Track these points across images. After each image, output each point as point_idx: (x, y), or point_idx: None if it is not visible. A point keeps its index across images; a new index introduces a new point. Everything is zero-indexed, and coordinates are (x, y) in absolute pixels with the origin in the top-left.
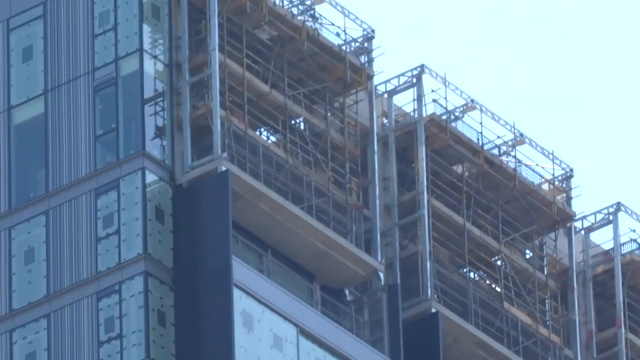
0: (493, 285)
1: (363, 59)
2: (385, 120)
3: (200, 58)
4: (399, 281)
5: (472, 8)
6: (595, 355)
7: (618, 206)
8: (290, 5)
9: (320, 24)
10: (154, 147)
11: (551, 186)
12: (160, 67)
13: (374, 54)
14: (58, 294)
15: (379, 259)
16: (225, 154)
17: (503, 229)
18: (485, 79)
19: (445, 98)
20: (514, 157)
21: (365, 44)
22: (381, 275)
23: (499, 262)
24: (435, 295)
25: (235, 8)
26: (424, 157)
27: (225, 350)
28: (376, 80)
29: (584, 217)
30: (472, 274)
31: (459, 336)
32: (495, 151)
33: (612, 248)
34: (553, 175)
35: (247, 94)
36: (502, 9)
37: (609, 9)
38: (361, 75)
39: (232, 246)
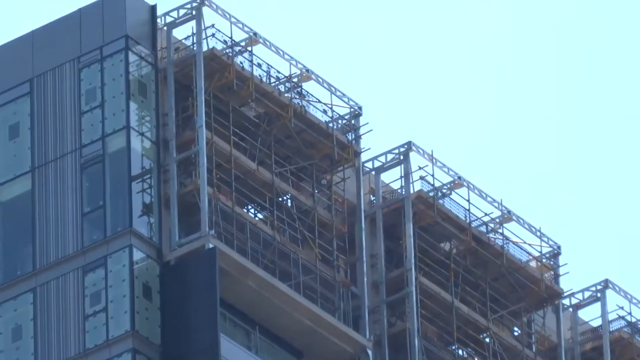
0: None
1: (350, 136)
2: (372, 197)
3: (188, 135)
4: (387, 358)
5: (458, 86)
6: None
7: (606, 283)
8: (277, 82)
9: (307, 101)
10: (141, 225)
11: (539, 263)
12: (147, 144)
13: (361, 131)
14: None
15: (367, 336)
16: (212, 232)
17: (491, 306)
18: (472, 156)
19: (433, 175)
20: (502, 234)
21: (353, 121)
22: (369, 352)
23: (487, 339)
24: None
25: (222, 85)
26: (412, 234)
27: None
28: (363, 157)
29: (572, 295)
30: (460, 351)
31: None
32: (483, 228)
33: (601, 325)
34: (541, 252)
35: (235, 171)
36: (488, 86)
37: (587, 89)
38: (348, 152)
39: (220, 323)
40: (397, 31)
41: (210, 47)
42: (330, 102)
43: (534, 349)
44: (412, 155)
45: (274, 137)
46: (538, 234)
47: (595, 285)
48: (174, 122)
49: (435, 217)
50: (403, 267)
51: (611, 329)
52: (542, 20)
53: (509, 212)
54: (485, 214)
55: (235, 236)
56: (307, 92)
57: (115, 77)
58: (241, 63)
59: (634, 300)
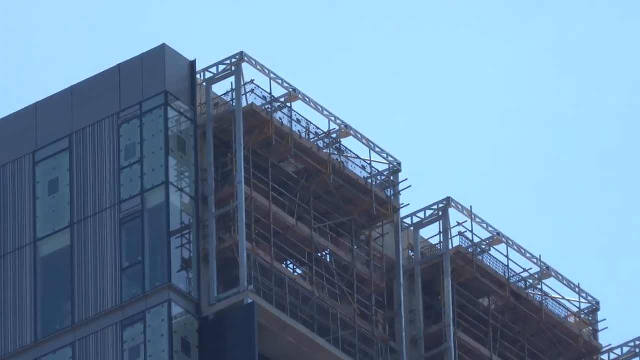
0: None
1: (389, 192)
2: (411, 253)
3: (227, 191)
4: None
5: (497, 142)
6: None
7: None
8: (315, 138)
9: (346, 157)
10: (180, 280)
11: (578, 319)
12: (186, 199)
13: (400, 187)
14: None
15: None
16: (251, 287)
17: None
18: (511, 212)
19: (472, 231)
20: (541, 290)
21: (391, 177)
22: None
23: None
24: None
25: (261, 141)
26: (450, 289)
27: None
28: (402, 213)
29: (611, 350)
30: None
31: None
32: (522, 284)
33: None
34: (579, 308)
35: (274, 227)
36: (524, 142)
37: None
38: (387, 208)
39: None
40: (435, 88)
41: (250, 102)
42: (369, 158)
43: None
44: (451, 211)
45: (312, 193)
46: (577, 289)
47: (634, 340)
48: (213, 177)
49: (474, 273)
50: (442, 322)
51: None
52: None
53: (547, 268)
54: (524, 270)
55: (274, 291)
56: (346, 148)
57: (155, 132)
58: (280, 119)
59: None
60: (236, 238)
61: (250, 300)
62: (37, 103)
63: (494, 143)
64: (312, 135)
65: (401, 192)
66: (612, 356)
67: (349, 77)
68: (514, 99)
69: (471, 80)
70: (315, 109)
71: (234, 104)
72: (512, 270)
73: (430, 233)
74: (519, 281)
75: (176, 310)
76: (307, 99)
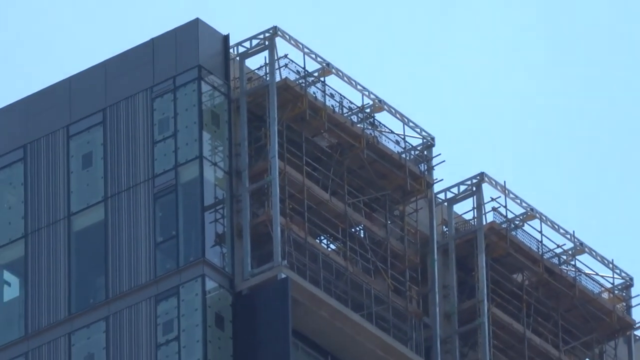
0: None
1: (423, 167)
2: (445, 229)
3: (260, 165)
4: None
5: (531, 117)
6: None
7: None
8: (349, 113)
9: (380, 131)
10: (214, 255)
11: (611, 295)
12: (220, 174)
13: (433, 162)
14: None
15: None
16: (285, 262)
17: (563, 337)
18: (545, 187)
19: (505, 206)
20: (574, 266)
21: (425, 152)
22: None
23: None
24: None
25: (294, 116)
26: (484, 265)
27: None
28: (436, 188)
29: None
30: None
31: None
32: (555, 260)
33: None
34: (613, 284)
35: (307, 202)
36: (561, 117)
37: None
38: (421, 183)
39: (292, 353)
40: (470, 62)
41: (283, 77)
42: (402, 133)
43: None
44: (485, 187)
45: (346, 168)
46: (610, 265)
47: None
48: (246, 152)
49: (508, 249)
50: (475, 298)
51: None
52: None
53: (581, 244)
54: (558, 246)
55: (308, 267)
56: (380, 123)
57: (188, 107)
58: (314, 93)
59: None
60: (270, 213)
61: (283, 275)
62: (71, 77)
63: (528, 117)
64: (345, 110)
65: (435, 167)
66: None
67: (382, 51)
68: (550, 73)
69: (506, 54)
70: (348, 84)
71: (268, 79)
72: (546, 246)
73: (464, 208)
74: (552, 257)
75: (210, 284)
76: (341, 74)
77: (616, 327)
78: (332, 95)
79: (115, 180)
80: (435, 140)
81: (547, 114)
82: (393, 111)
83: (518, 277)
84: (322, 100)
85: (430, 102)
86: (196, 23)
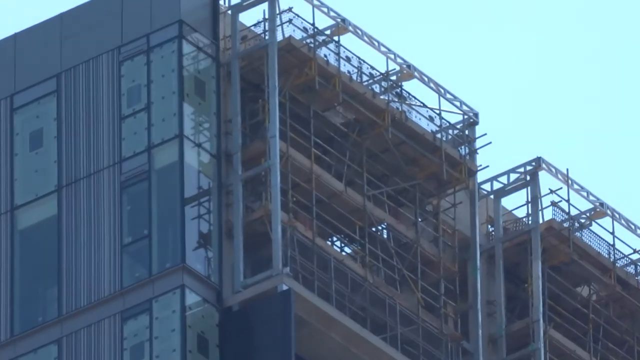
0: None
1: (464, 150)
2: (491, 228)
3: (257, 147)
4: None
5: (600, 91)
6: None
7: None
8: (370, 81)
9: (409, 105)
10: (196, 260)
11: None
12: (205, 158)
13: (477, 144)
14: None
15: None
16: (287, 269)
17: None
18: (618, 177)
19: (568, 201)
20: None
21: (467, 131)
22: None
23: None
24: None
25: (300, 84)
26: (540, 275)
27: None
28: (480, 177)
29: None
30: None
31: None
32: (631, 269)
33: None
34: None
35: (316, 193)
36: (631, 90)
37: None
38: (461, 170)
39: None
40: (521, 22)
41: (286, 35)
42: (438, 107)
43: None
44: (542, 175)
45: (366, 151)
46: None
47: None
48: (239, 130)
49: (571, 254)
50: (528, 317)
51: None
52: None
53: None
54: (635, 251)
55: (317, 276)
56: (409, 94)
57: (166, 72)
58: (325, 56)
59: None
60: (268, 207)
61: (285, 287)
62: (16, 34)
63: (595, 92)
64: (365, 78)
65: (478, 151)
66: None
67: (412, 3)
68: (621, 40)
69: (570, 14)
70: (369, 45)
71: (267, 37)
72: (619, 251)
73: (516, 203)
74: (627, 265)
75: (191, 298)
76: (360, 32)
77: None
78: (348, 59)
79: (72, 165)
80: (480, 116)
81: (617, 86)
82: (426, 79)
83: (583, 291)
84: (335, 65)
85: (472, 68)
86: None
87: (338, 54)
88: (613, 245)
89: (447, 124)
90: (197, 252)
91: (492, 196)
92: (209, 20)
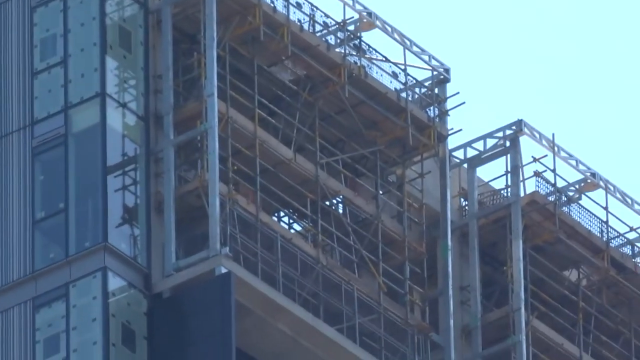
0: None
1: (432, 111)
2: (464, 203)
3: (191, 108)
4: None
5: (591, 43)
6: None
7: None
8: (324, 31)
9: (370, 59)
10: (120, 238)
11: None
12: (131, 120)
13: (448, 105)
14: None
15: None
16: (226, 250)
17: None
18: (611, 143)
19: (554, 171)
20: None
21: (436, 90)
22: None
23: None
24: None
25: (243, 35)
26: (521, 257)
27: None
28: (451, 143)
29: None
30: None
31: None
32: (627, 249)
33: None
34: None
35: (260, 162)
36: (625, 43)
37: None
38: (429, 135)
39: None
40: None
41: None
42: (403, 62)
43: None
44: (524, 141)
45: (319, 113)
46: None
47: None
48: (171, 88)
49: (557, 233)
50: (508, 305)
51: None
52: None
53: None
54: (632, 229)
55: (261, 257)
56: (370, 47)
57: (85, 20)
58: (272, 2)
59: None
60: (205, 177)
61: (224, 270)
62: None
63: (586, 44)
64: (318, 28)
65: (450, 113)
66: None
67: None
68: None
69: None
70: None
71: None
72: (614, 229)
73: (493, 173)
74: (623, 245)
75: (115, 283)
76: None
77: None
78: (298, 6)
79: None
80: (451, 73)
81: (609, 38)
82: (389, 29)
83: (572, 275)
84: (283, 12)
85: (443, 18)
86: None
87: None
88: (606, 222)
89: (414, 82)
90: (122, 229)
91: (465, 165)
92: None
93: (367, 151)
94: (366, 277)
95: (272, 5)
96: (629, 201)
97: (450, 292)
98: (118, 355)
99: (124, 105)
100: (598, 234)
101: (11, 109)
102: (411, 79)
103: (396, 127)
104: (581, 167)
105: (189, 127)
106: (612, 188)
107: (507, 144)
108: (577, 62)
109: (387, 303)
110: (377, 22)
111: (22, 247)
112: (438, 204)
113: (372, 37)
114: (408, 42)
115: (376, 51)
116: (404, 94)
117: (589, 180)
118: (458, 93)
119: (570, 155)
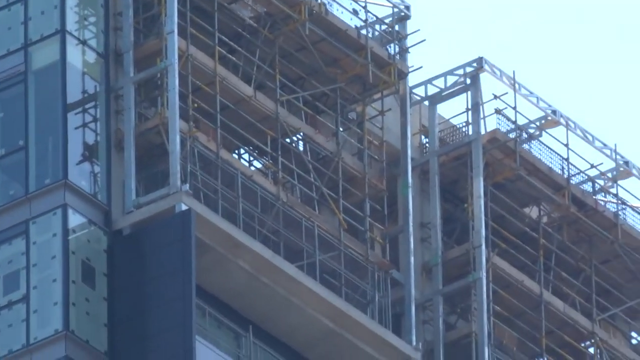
0: None
1: (393, 48)
2: (424, 140)
3: (152, 45)
4: None
5: None
6: None
7: None
8: None
9: None
10: (81, 176)
11: None
12: (91, 57)
13: (409, 42)
14: None
15: (414, 342)
16: (187, 187)
17: (598, 301)
18: (573, 80)
19: (515, 108)
20: (616, 195)
21: (397, 27)
22: None
23: (591, 350)
24: None
25: None
26: (482, 194)
27: None
28: (412, 80)
29: None
30: None
31: None
32: (588, 187)
33: None
34: None
35: (221, 99)
36: None
37: None
38: (390, 72)
39: (196, 322)
40: None
41: None
42: None
43: None
44: (485, 78)
45: (279, 50)
46: None
47: None
48: (131, 25)
49: (518, 170)
50: (468, 242)
51: None
52: None
53: (626, 163)
54: (592, 166)
55: (221, 194)
56: None
57: None
58: None
59: None
60: (165, 115)
61: (184, 207)
62: None
63: None
64: None
65: (410, 50)
66: None
67: None
68: None
69: None
70: None
71: None
72: (574, 166)
73: (454, 110)
74: (583, 182)
75: (75, 220)
76: None
77: None
78: None
79: None
80: (412, 9)
81: None
82: None
83: (532, 212)
84: None
85: None
86: None
87: None
88: (567, 159)
89: (374, 19)
90: (82, 166)
91: (426, 102)
92: None
93: (327, 88)
94: (326, 214)
95: None
96: (590, 138)
97: (411, 229)
98: (78, 292)
99: (84, 43)
100: (559, 171)
101: None
102: (372, 16)
103: (356, 64)
104: (542, 104)
105: (149, 65)
106: (572, 125)
107: (468, 81)
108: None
109: (348, 240)
110: None
111: None
112: (398, 142)
113: None
114: None
115: None
116: (364, 31)
117: (549, 118)
118: (419, 30)
119: (531, 93)
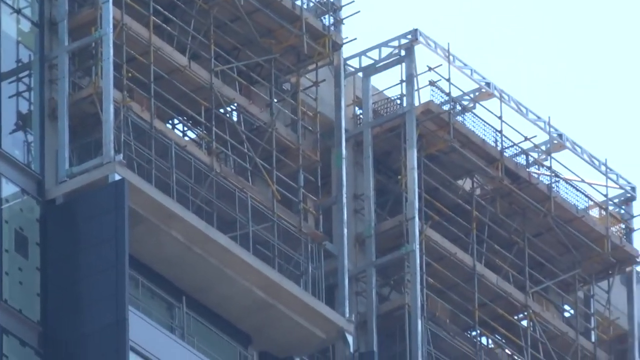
0: (515, 357)
1: (327, 20)
2: (358, 111)
3: (86, 14)
4: (375, 348)
5: None
6: None
7: None
8: None
9: None
10: (14, 145)
11: (603, 212)
12: (25, 26)
13: (343, 14)
14: None
15: (347, 314)
16: (120, 157)
17: (531, 273)
18: (507, 53)
19: (448, 80)
20: (549, 168)
21: None
22: (350, 338)
23: (524, 323)
24: None
25: None
26: (415, 166)
27: None
28: (346, 51)
29: None
30: (484, 339)
31: None
32: (522, 159)
33: None
34: (606, 195)
35: (155, 69)
36: None
37: None
38: (324, 44)
39: (129, 292)
40: None
41: None
42: None
43: (592, 338)
44: (419, 50)
45: (214, 20)
46: (603, 168)
47: None
48: None
49: (452, 142)
50: (402, 214)
51: None
52: None
53: (560, 136)
54: (526, 138)
55: (155, 164)
56: None
57: None
58: None
59: None
60: (99, 84)
61: (118, 177)
62: None
63: None
64: None
65: (345, 21)
66: None
67: None
68: None
69: None
70: None
71: None
72: (508, 138)
73: (388, 82)
74: (517, 154)
75: (8, 189)
76: None
77: (610, 260)
78: None
79: None
80: None
81: None
82: None
83: (465, 184)
84: None
85: None
86: None
87: None
88: (500, 132)
89: None
90: (15, 135)
91: (360, 74)
92: None
93: (261, 59)
94: (260, 185)
95: None
96: (524, 110)
97: (344, 200)
98: (11, 261)
99: (18, 12)
100: (492, 144)
101: None
102: None
103: (291, 35)
104: (476, 76)
105: (84, 34)
106: (506, 97)
107: (402, 53)
108: None
109: (281, 211)
110: None
111: None
112: (332, 113)
113: None
114: None
115: None
116: (299, 2)
117: (483, 90)
118: (353, 1)
119: (465, 65)
